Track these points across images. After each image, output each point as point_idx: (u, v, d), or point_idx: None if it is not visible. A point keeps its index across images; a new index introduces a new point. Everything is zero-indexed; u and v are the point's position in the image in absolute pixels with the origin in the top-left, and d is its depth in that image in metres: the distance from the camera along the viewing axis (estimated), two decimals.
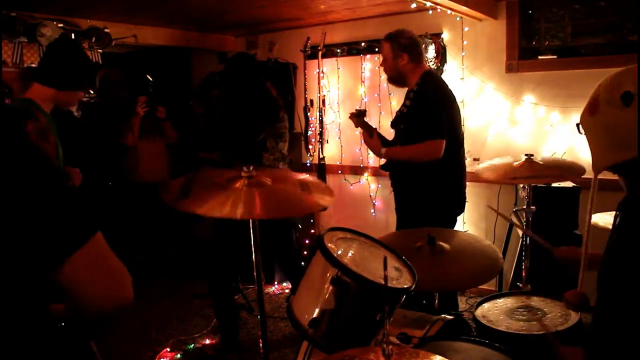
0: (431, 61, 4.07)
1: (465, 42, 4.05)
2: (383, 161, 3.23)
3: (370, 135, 3.12)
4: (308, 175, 2.04)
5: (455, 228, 3.11)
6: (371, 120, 4.58)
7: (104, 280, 0.99)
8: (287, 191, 1.76)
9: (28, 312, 0.92)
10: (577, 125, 1.45)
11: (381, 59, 3.14)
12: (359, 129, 3.22)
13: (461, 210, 3.13)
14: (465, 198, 3.15)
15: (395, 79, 3.09)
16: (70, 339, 1.02)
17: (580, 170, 2.66)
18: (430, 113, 2.89)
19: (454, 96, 3.06)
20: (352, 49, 4.58)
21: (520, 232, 3.30)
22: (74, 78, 2.50)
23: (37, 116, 2.38)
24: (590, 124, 1.39)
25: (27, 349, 0.92)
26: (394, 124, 3.18)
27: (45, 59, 2.56)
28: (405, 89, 3.12)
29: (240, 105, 3.22)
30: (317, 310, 1.56)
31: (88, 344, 1.10)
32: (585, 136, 1.43)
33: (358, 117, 3.16)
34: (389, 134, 3.24)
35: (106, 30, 4.00)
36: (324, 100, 4.71)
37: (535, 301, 2.16)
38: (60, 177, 1.04)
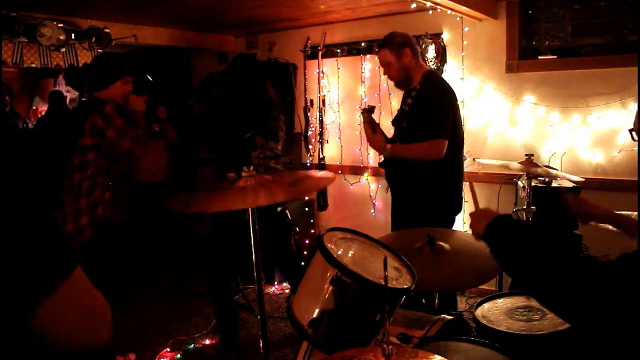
0: (431, 61, 4.07)
1: (465, 42, 4.05)
2: (382, 158, 3.22)
3: (374, 132, 3.10)
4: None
5: (456, 228, 3.12)
6: None
7: (79, 323, 0.88)
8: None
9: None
10: (631, 131, 1.41)
11: (381, 69, 3.12)
12: (364, 124, 3.20)
13: (458, 210, 3.14)
14: (462, 198, 3.16)
15: (404, 81, 3.05)
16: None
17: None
18: (435, 112, 2.90)
19: (456, 97, 3.06)
20: (352, 49, 4.58)
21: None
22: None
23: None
24: None
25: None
26: (395, 122, 3.18)
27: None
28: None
29: (233, 104, 3.22)
30: (317, 311, 1.56)
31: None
32: None
33: (369, 113, 3.13)
34: (389, 133, 3.24)
35: (106, 30, 3.99)
36: (324, 100, 4.71)
37: (535, 301, 2.15)
38: (33, 209, 0.93)
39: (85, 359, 0.96)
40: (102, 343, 0.91)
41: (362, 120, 3.18)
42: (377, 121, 3.22)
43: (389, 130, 3.27)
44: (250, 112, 3.22)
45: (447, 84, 3.08)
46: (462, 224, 4.09)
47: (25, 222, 0.83)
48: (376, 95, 4.47)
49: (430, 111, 2.90)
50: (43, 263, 0.82)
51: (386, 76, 3.15)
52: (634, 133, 1.39)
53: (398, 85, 3.11)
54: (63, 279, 0.83)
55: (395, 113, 3.31)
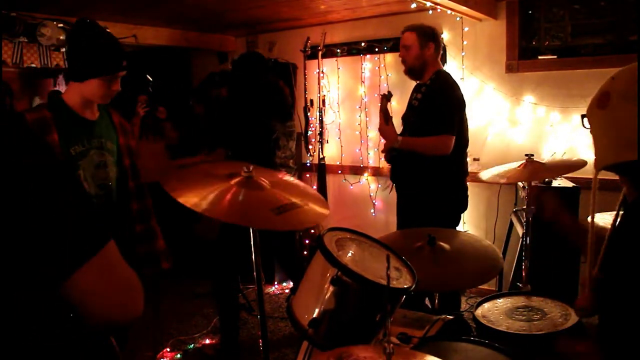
0: None
1: (465, 42, 4.05)
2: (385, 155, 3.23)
3: (387, 122, 3.11)
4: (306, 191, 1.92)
5: (456, 228, 3.12)
6: (371, 120, 4.60)
7: (114, 293, 0.92)
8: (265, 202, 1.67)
9: (41, 314, 0.85)
10: (583, 117, 1.38)
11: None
12: (380, 111, 3.20)
13: (464, 207, 3.18)
14: (467, 196, 3.18)
15: (416, 70, 3.05)
16: (88, 333, 0.95)
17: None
18: (444, 109, 2.93)
19: (464, 97, 3.07)
20: (352, 49, 4.58)
21: (520, 232, 3.30)
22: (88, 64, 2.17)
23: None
24: (598, 118, 1.32)
25: (46, 346, 0.87)
26: (404, 117, 3.20)
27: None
28: (406, 87, 3.14)
29: (254, 104, 3.21)
30: (317, 311, 1.56)
31: (108, 339, 1.05)
32: (590, 130, 1.36)
33: (387, 99, 3.14)
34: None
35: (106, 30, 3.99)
36: (324, 100, 4.71)
37: (535, 301, 2.16)
38: (75, 179, 0.96)
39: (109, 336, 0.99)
40: (135, 315, 0.97)
41: (380, 106, 3.17)
42: (377, 123, 3.24)
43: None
44: (275, 113, 3.23)
45: (456, 83, 3.10)
46: (462, 224, 4.09)
47: (65, 192, 0.87)
48: (376, 95, 4.46)
49: (439, 108, 2.93)
50: (80, 232, 0.86)
51: (401, 58, 3.11)
52: (585, 119, 1.37)
53: (409, 71, 3.09)
54: (98, 249, 0.87)
55: (394, 114, 3.31)
